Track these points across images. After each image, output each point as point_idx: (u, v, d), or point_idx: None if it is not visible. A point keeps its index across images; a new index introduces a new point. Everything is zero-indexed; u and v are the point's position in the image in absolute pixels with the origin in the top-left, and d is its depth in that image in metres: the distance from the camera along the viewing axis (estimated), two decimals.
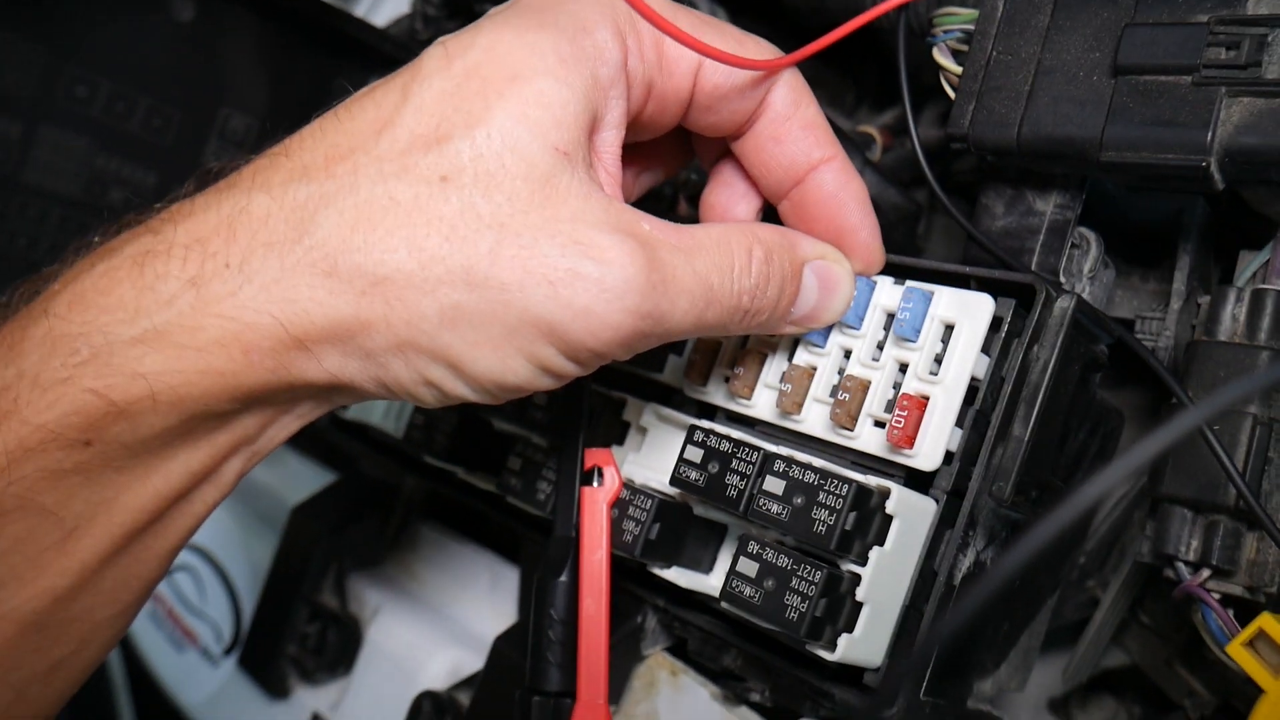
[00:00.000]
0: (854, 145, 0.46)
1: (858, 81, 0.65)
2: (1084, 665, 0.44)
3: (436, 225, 0.28)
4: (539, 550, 0.46)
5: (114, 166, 0.55)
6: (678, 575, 0.38)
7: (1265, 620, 0.29)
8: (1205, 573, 0.34)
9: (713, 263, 0.30)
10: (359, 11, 0.72)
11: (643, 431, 0.41)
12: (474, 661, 0.46)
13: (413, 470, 0.50)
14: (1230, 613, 0.33)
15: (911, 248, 0.51)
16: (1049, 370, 0.32)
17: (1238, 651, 0.30)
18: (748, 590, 0.33)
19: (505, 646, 0.43)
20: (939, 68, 0.38)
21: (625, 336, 0.29)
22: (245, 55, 0.58)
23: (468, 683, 0.45)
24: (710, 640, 0.40)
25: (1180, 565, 0.35)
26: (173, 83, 0.55)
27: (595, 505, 0.38)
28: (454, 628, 0.49)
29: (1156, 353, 0.38)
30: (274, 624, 0.53)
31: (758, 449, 0.35)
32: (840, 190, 0.35)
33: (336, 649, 0.51)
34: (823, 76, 0.63)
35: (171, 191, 0.31)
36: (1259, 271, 0.35)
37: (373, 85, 0.31)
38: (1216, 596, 0.33)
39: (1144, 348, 0.36)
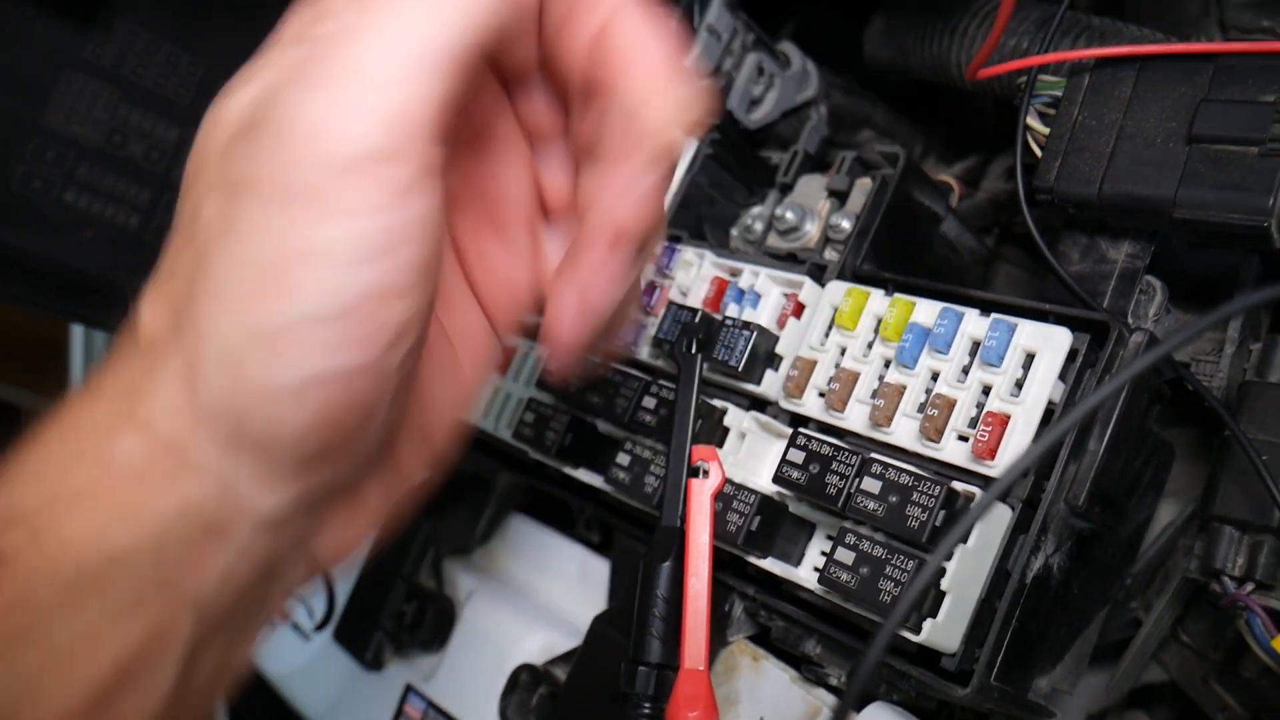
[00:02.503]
0: (938, 193, 0.51)
1: (927, 133, 0.70)
2: (1126, 678, 0.48)
3: None
4: (631, 543, 0.50)
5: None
6: (772, 565, 0.42)
7: None
8: (1249, 586, 0.38)
9: None
10: None
11: (742, 437, 0.45)
12: (565, 642, 0.51)
13: (512, 466, 0.55)
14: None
15: (982, 287, 0.56)
16: (1122, 397, 0.37)
17: None
18: (844, 576, 0.38)
19: (603, 626, 0.47)
20: (1027, 129, 0.43)
21: None
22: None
23: (562, 659, 0.50)
24: (794, 628, 0.44)
25: (1226, 580, 0.39)
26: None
27: (701, 496, 0.42)
28: (545, 612, 0.53)
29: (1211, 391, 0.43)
30: (371, 601, 0.58)
31: (857, 453, 0.39)
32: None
33: (432, 626, 0.55)
34: (896, 129, 0.68)
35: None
36: None
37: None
38: (1264, 606, 0.37)
39: (1201, 384, 0.40)
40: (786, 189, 0.54)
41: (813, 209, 0.52)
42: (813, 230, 0.51)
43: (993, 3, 0.53)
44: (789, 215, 0.51)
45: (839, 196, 0.51)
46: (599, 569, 0.54)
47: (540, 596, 0.54)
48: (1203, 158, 0.38)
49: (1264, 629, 0.37)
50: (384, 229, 0.25)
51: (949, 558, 0.37)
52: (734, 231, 0.57)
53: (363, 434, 0.28)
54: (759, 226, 0.55)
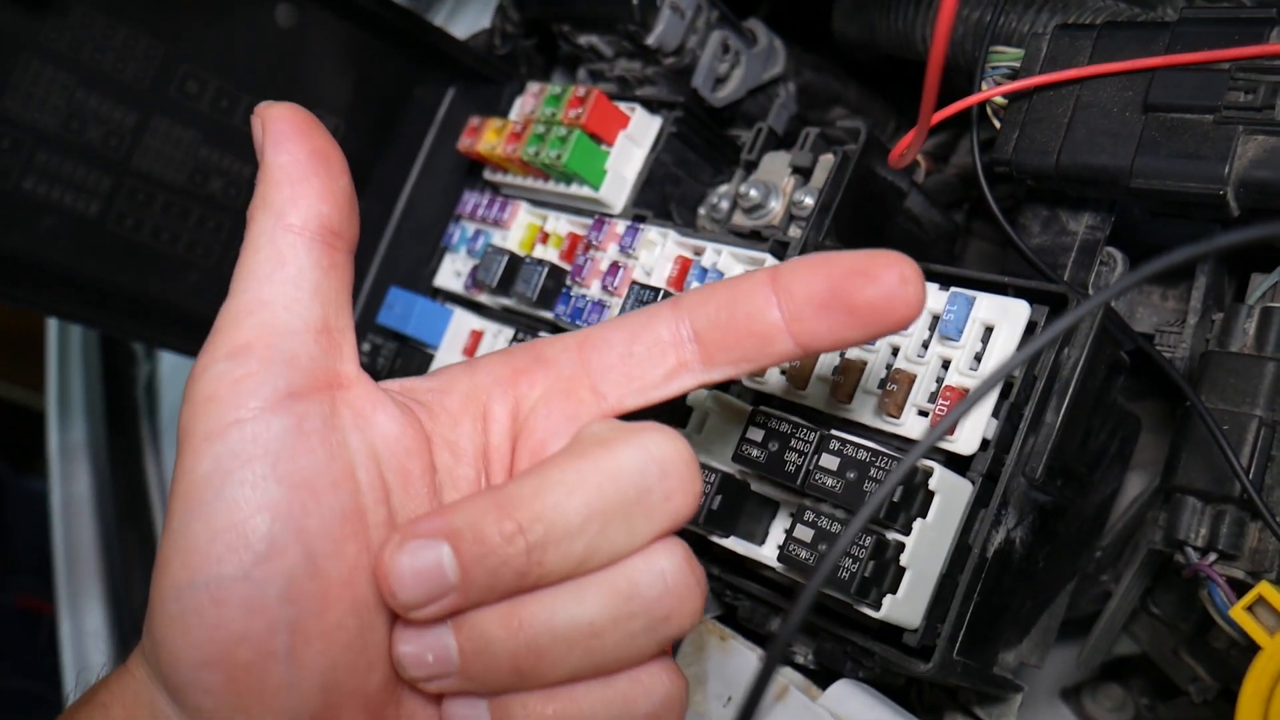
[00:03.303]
0: (885, 152, 0.51)
1: (899, 110, 0.69)
2: (1097, 651, 0.48)
3: None
4: None
5: (215, 158, 0.59)
6: (735, 544, 0.42)
7: (1264, 588, 0.33)
8: (1212, 556, 0.38)
9: None
10: (436, 21, 0.77)
11: (704, 417, 0.45)
12: None
13: None
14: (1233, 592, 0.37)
15: (949, 263, 0.55)
16: (1079, 367, 0.37)
17: (1239, 614, 0.34)
18: (803, 553, 0.38)
19: None
20: (987, 102, 0.43)
21: None
22: (334, 60, 0.63)
23: None
24: (759, 607, 0.44)
25: (1189, 550, 0.39)
26: (273, 84, 0.60)
27: None
28: None
29: (1173, 363, 0.42)
30: None
31: (815, 429, 0.39)
32: None
33: None
34: (869, 106, 0.68)
35: None
36: (1268, 292, 0.39)
37: None
38: (1222, 578, 0.37)
39: (1162, 356, 0.40)
40: (751, 166, 0.54)
41: (777, 186, 0.51)
42: (777, 207, 0.51)
43: None
44: (753, 193, 0.51)
45: (803, 173, 0.51)
46: None
47: None
48: (1159, 126, 0.37)
49: (1224, 599, 0.36)
50: None
51: (906, 533, 0.37)
52: (700, 211, 0.57)
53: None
54: (724, 205, 0.55)
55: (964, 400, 0.28)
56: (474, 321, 0.59)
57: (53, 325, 0.98)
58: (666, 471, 0.29)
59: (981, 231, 0.62)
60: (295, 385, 0.29)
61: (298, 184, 0.30)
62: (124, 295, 0.58)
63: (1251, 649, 0.33)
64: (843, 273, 0.30)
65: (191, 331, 0.62)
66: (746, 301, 0.31)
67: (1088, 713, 0.54)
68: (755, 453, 0.40)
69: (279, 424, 0.28)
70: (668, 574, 0.29)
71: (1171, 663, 0.48)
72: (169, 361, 0.90)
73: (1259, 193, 0.36)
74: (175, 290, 0.60)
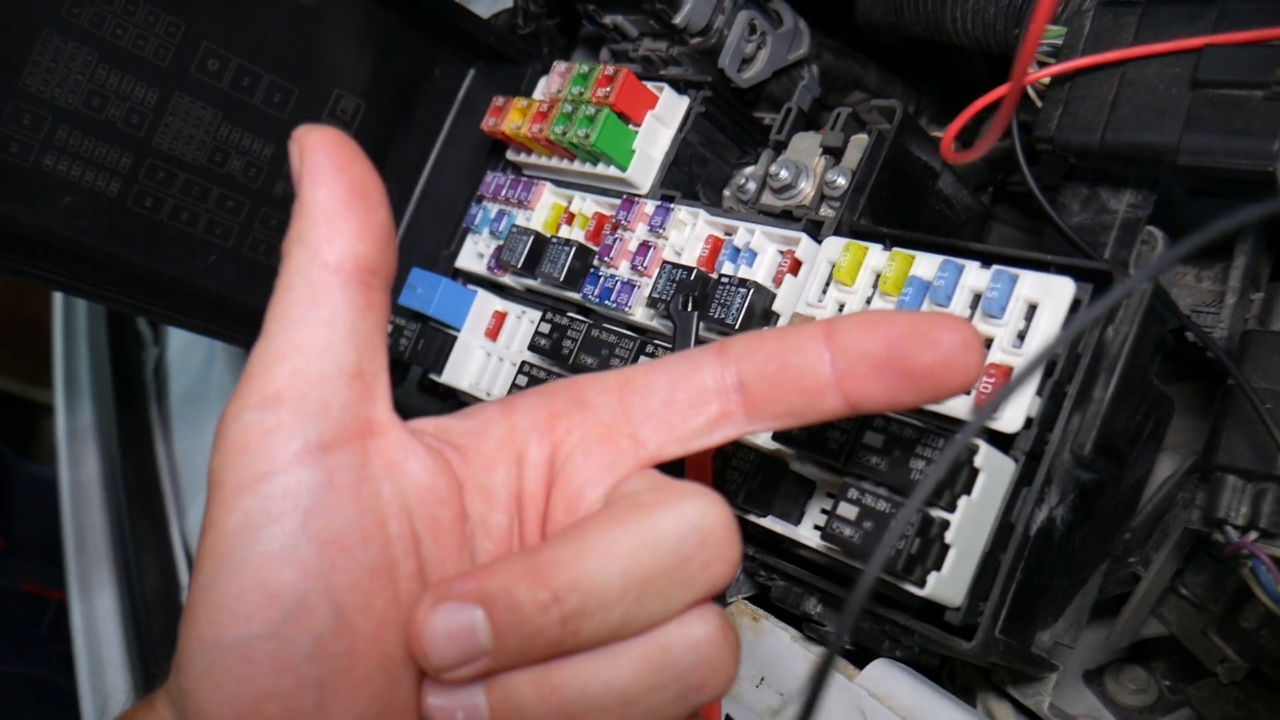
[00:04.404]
0: (934, 148, 0.51)
1: (920, 94, 0.69)
2: (1125, 632, 0.48)
3: None
4: None
5: (235, 137, 0.59)
6: (772, 523, 0.42)
7: None
8: (1253, 534, 0.38)
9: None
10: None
11: None
12: None
13: None
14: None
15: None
16: (1128, 343, 0.37)
17: None
18: (847, 531, 0.37)
19: None
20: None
21: None
22: (355, 39, 0.62)
23: None
24: (794, 587, 0.44)
25: (1230, 529, 0.39)
26: (293, 62, 0.59)
27: (702, 455, 0.42)
28: None
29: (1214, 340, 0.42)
30: None
31: None
32: None
33: None
34: (889, 89, 0.68)
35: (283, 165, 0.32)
36: None
37: None
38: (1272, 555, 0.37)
39: (1206, 334, 0.40)
40: (780, 147, 0.53)
41: (807, 166, 0.51)
42: (807, 188, 0.51)
43: None
44: (783, 173, 0.51)
45: (834, 153, 0.50)
46: None
47: None
48: (1207, 103, 0.37)
49: (1269, 576, 0.36)
50: None
51: (951, 510, 0.37)
52: (727, 192, 0.57)
53: None
54: (752, 185, 0.55)
55: (1015, 375, 0.28)
56: (497, 303, 0.58)
57: (59, 310, 0.98)
58: (706, 540, 0.28)
59: (1006, 216, 0.62)
60: (327, 436, 0.28)
61: (334, 221, 0.29)
62: (142, 273, 0.58)
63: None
64: (902, 334, 0.29)
65: (209, 311, 0.61)
66: (798, 355, 0.30)
67: (1110, 694, 0.55)
68: (796, 430, 0.40)
69: (310, 479, 0.27)
70: (702, 643, 0.29)
71: (1200, 644, 0.48)
72: (176, 345, 0.90)
73: None
74: (193, 269, 0.60)
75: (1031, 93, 0.42)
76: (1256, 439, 0.38)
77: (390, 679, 0.28)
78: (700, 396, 0.31)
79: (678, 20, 0.57)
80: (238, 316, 0.61)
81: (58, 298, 1.01)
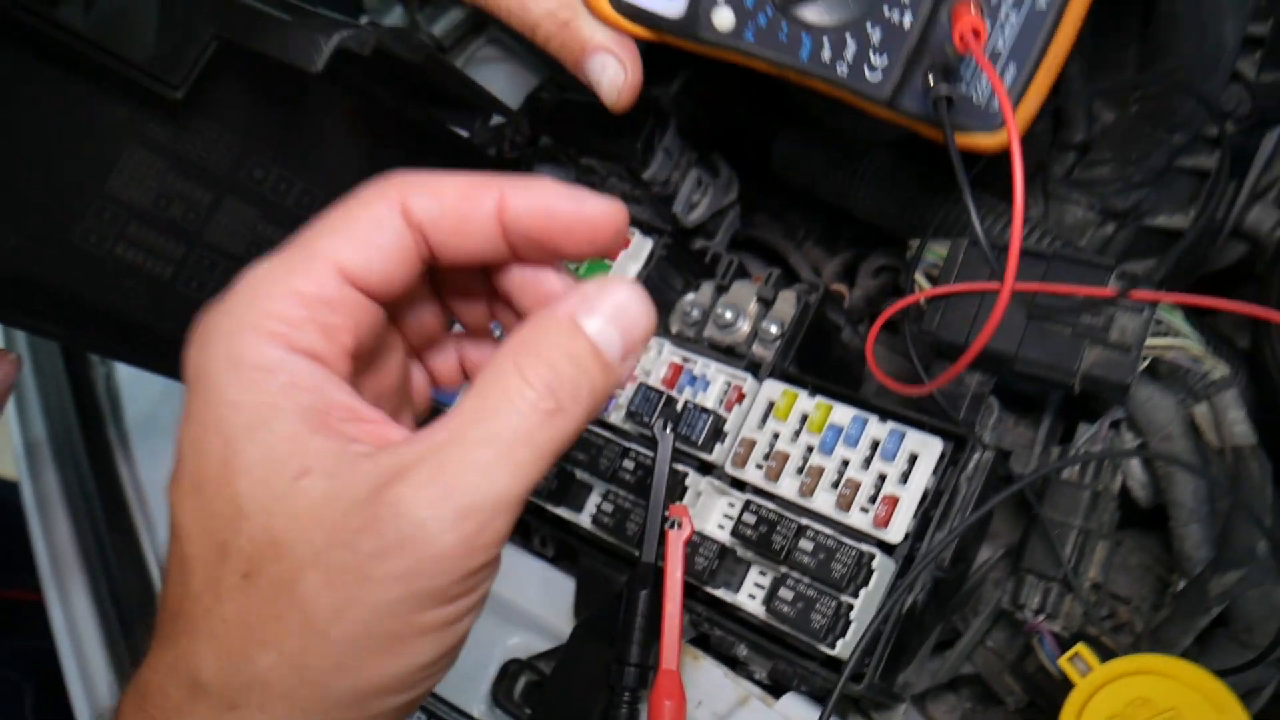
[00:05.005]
0: (840, 309, 0.68)
1: (808, 221, 0.87)
2: (947, 670, 0.67)
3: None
4: (593, 563, 0.64)
5: (269, 233, 0.69)
6: (724, 593, 0.58)
7: (1080, 648, 0.52)
8: (1041, 616, 0.57)
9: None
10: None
11: (698, 494, 0.61)
12: (542, 643, 0.64)
13: None
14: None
15: (863, 375, 0.73)
16: (978, 490, 0.55)
17: (1064, 664, 0.52)
18: (785, 608, 0.54)
19: (583, 630, 0.61)
20: (914, 284, 0.60)
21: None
22: (375, 161, 0.74)
23: (541, 656, 0.64)
24: (728, 636, 0.60)
25: (1026, 610, 0.58)
26: (320, 172, 0.70)
27: (676, 544, 0.57)
28: (520, 616, 0.66)
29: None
30: None
31: (794, 522, 0.55)
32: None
33: None
34: (783, 214, 0.85)
35: None
36: (1089, 438, 0.59)
37: None
38: (1051, 631, 0.56)
39: (1026, 487, 0.58)
40: (723, 289, 0.69)
41: (744, 309, 0.67)
42: (745, 327, 0.67)
43: (879, 163, 0.70)
44: (726, 314, 0.66)
45: (766, 303, 0.67)
46: (559, 580, 0.67)
47: (515, 603, 0.68)
48: (1036, 329, 0.56)
49: (1049, 644, 0.55)
50: (465, 624, 0.35)
51: (855, 597, 0.54)
52: (673, 317, 0.72)
53: None
54: (696, 314, 0.70)
55: (953, 524, 0.45)
56: None
57: None
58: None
59: (892, 344, 0.80)
60: None
61: None
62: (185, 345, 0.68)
63: (1066, 684, 0.52)
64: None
65: None
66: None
67: (930, 714, 0.74)
68: (749, 532, 0.56)
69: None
70: None
71: (998, 681, 0.68)
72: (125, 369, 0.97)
73: (1094, 384, 0.55)
74: None
75: (922, 302, 0.60)
76: (1049, 552, 0.57)
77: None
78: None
79: (646, 176, 0.72)
80: None
81: None
